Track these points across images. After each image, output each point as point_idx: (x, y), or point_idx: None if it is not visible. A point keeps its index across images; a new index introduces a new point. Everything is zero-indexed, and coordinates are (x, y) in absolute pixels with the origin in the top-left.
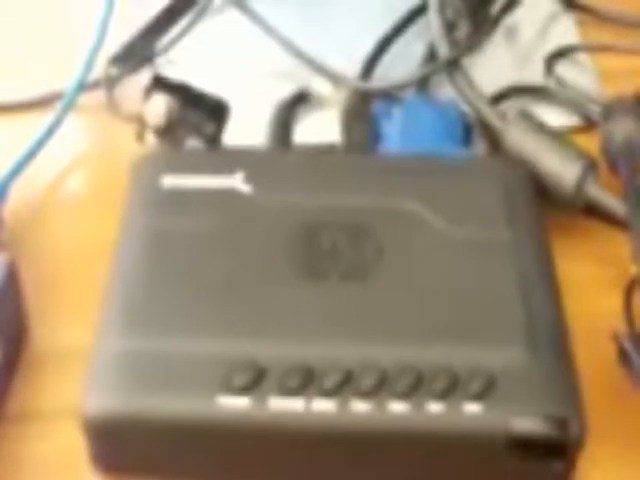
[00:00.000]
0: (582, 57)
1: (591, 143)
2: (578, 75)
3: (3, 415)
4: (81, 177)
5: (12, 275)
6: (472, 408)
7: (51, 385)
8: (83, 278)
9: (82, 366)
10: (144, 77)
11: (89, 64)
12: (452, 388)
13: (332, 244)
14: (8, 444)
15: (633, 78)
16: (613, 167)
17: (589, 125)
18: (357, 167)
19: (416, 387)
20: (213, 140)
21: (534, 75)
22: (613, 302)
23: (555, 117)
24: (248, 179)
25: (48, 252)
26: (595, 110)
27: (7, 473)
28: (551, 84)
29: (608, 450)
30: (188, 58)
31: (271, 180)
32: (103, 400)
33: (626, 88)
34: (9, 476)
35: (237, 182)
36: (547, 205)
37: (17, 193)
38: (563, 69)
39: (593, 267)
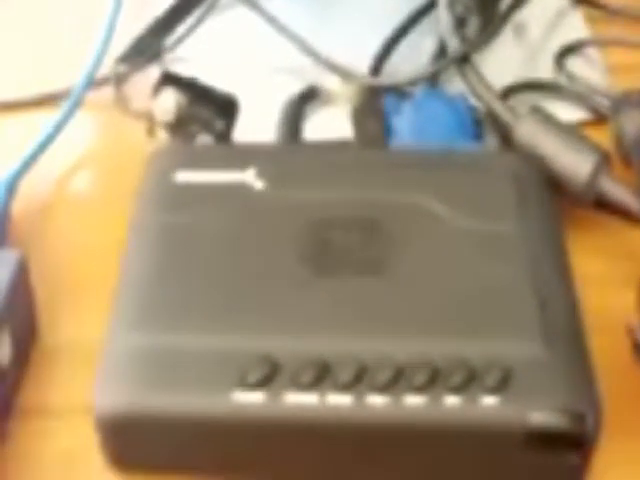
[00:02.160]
0: (591, 52)
1: (602, 137)
2: (587, 70)
3: (14, 411)
4: (90, 173)
5: (23, 271)
6: (489, 401)
7: (62, 381)
8: (93, 274)
9: (93, 362)
10: (153, 74)
11: (98, 61)
12: (469, 381)
13: (345, 239)
14: (19, 440)
15: None
16: (626, 160)
17: (599, 119)
18: (369, 162)
19: (432, 381)
20: (223, 136)
21: (543, 71)
22: (627, 296)
23: (565, 112)
24: (260, 174)
25: (58, 248)
26: (605, 104)
27: (18, 470)
28: (561, 79)
29: (624, 443)
30: (197, 55)
31: (283, 175)
32: (116, 396)
33: (636, 82)
34: (20, 473)
35: (250, 177)
36: (560, 199)
37: (26, 190)
38: (572, 64)
39: (606, 261)
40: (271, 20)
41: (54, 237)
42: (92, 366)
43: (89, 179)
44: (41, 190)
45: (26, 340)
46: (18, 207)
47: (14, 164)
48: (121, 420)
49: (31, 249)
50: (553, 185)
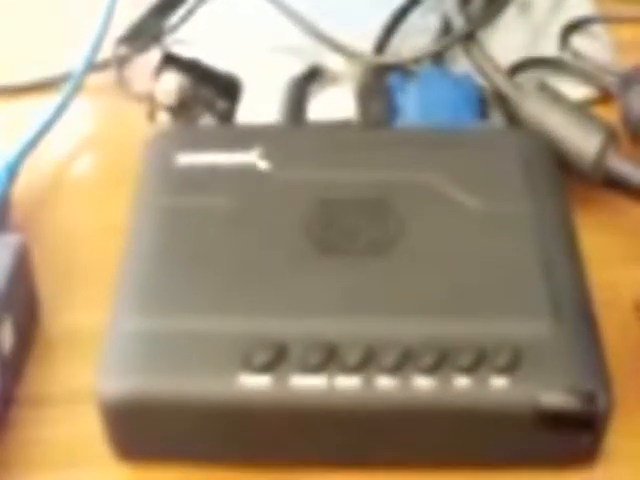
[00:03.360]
0: (597, 29)
1: (609, 114)
2: (593, 47)
3: (16, 399)
4: (91, 157)
5: (23, 257)
6: (499, 382)
7: (64, 368)
8: (95, 259)
9: (95, 349)
10: (153, 56)
11: (97, 44)
12: (478, 362)
13: (351, 219)
14: (21, 429)
15: None
16: (633, 137)
17: (606, 96)
18: (375, 141)
19: (441, 362)
20: (226, 117)
21: (549, 48)
22: (636, 272)
23: (571, 89)
24: (265, 155)
25: (58, 233)
26: (612, 81)
27: (20, 458)
28: (566, 56)
29: (636, 421)
30: (198, 36)
31: (289, 156)
32: (119, 381)
33: None
34: (22, 461)
35: (254, 158)
36: (567, 177)
37: (27, 174)
38: (578, 41)
39: (615, 238)
40: (273, 0)
41: (55, 221)
42: (94, 353)
43: (90, 163)
44: (42, 174)
45: (28, 326)
46: (19, 191)
47: (14, 149)
48: (124, 405)
49: (32, 234)
50: (560, 162)
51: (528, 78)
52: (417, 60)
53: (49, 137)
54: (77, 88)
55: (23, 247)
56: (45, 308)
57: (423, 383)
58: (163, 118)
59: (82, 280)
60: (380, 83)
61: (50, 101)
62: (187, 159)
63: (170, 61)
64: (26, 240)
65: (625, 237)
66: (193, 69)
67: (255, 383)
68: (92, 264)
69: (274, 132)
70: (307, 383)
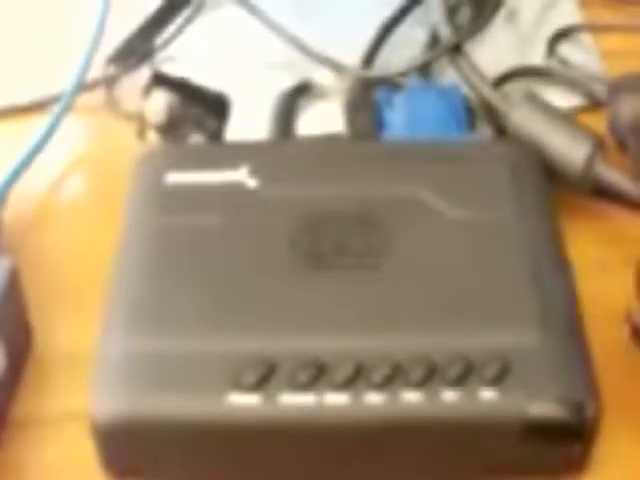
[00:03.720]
0: (584, 37)
1: (597, 123)
2: (581, 55)
3: (9, 421)
4: (82, 178)
5: (14, 279)
6: (487, 394)
7: (56, 389)
8: (85, 280)
9: (87, 370)
10: (143, 75)
11: (87, 64)
12: (467, 375)
13: (340, 234)
14: (14, 450)
15: (636, 57)
16: (621, 146)
17: (594, 105)
18: (362, 155)
19: (430, 376)
20: (216, 135)
21: (536, 57)
22: (625, 282)
23: (559, 98)
24: (253, 172)
25: (49, 255)
26: (599, 90)
27: None
28: (554, 65)
29: (625, 431)
30: (187, 54)
31: (276, 172)
32: (112, 402)
33: (629, 67)
34: None
35: (242, 176)
36: (555, 187)
37: (17, 196)
38: (565, 49)
39: (603, 248)
40: (260, 16)
41: (46, 243)
42: (86, 374)
43: (81, 183)
44: (32, 196)
45: (20, 349)
46: (9, 214)
47: (4, 172)
48: (117, 426)
49: (22, 256)
50: (548, 171)
51: (516, 88)
52: (404, 73)
53: (39, 157)
54: (67, 109)
55: (14, 270)
56: (37, 330)
57: (412, 397)
58: (153, 137)
59: (74, 301)
60: (368, 97)
61: (40, 122)
62: (176, 178)
63: (159, 80)
64: (17, 263)
65: (613, 246)
66: (182, 88)
67: (245, 402)
68: (83, 285)
69: (262, 149)
70: (296, 401)
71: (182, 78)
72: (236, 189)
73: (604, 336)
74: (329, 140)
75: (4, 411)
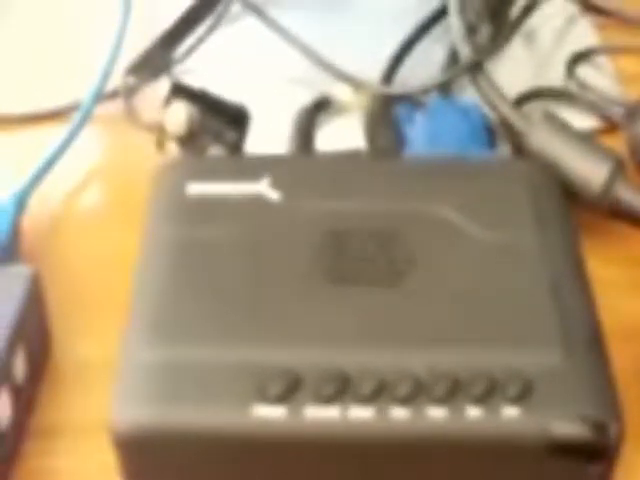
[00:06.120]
0: (602, 59)
1: (615, 145)
2: (598, 77)
3: (28, 430)
4: (100, 187)
5: (35, 287)
6: (510, 412)
7: (76, 399)
8: (106, 288)
9: (107, 379)
10: (162, 86)
11: (106, 74)
12: (490, 392)
13: (362, 250)
14: (33, 459)
15: None
16: None
17: (612, 127)
18: (384, 172)
19: (453, 392)
20: (235, 147)
21: (554, 78)
22: None
23: (577, 119)
24: (275, 185)
25: (70, 263)
26: (617, 112)
27: None
28: (572, 86)
29: None
30: (206, 66)
31: (298, 186)
32: (134, 413)
33: None
34: None
35: (264, 188)
36: (574, 206)
37: (37, 204)
38: (583, 71)
39: (622, 268)
40: (280, 30)
41: (66, 252)
42: (106, 384)
43: (99, 193)
44: (52, 205)
45: (40, 357)
46: (29, 222)
47: (24, 180)
48: (139, 436)
49: (43, 264)
50: (567, 191)
51: (534, 108)
52: (425, 90)
53: (58, 166)
54: (86, 118)
55: (35, 278)
56: (56, 338)
57: (436, 413)
58: (172, 148)
59: (93, 310)
60: (388, 113)
61: (59, 131)
62: (197, 189)
63: (179, 91)
64: (38, 271)
65: (632, 266)
66: (202, 99)
67: (269, 414)
68: (102, 294)
69: (283, 162)
70: (321, 414)
71: (201, 90)
72: (257, 201)
73: (624, 355)
74: (350, 155)
75: (23, 419)
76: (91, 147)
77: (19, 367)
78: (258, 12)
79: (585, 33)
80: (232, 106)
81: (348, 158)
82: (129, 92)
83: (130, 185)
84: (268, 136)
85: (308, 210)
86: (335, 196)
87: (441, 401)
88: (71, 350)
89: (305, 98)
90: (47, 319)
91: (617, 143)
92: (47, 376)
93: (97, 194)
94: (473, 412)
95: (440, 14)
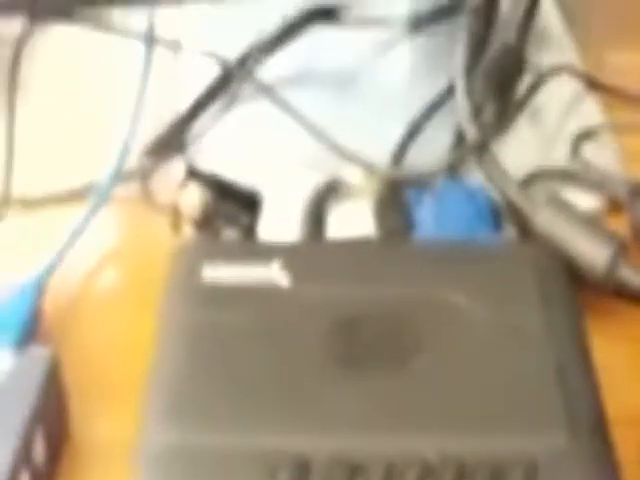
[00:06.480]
0: (607, 137)
1: (619, 224)
2: (603, 156)
3: None
4: (118, 268)
5: (54, 369)
6: None
7: None
8: (124, 370)
9: (124, 462)
10: (177, 167)
11: (123, 156)
12: (495, 478)
13: (371, 335)
14: None
15: None
16: None
17: (616, 206)
18: (393, 257)
19: (460, 478)
20: (248, 231)
21: (559, 156)
22: None
23: (582, 199)
24: (286, 272)
25: (86, 345)
26: (621, 191)
27: None
28: (576, 166)
29: None
30: (219, 147)
31: (309, 273)
32: None
33: None
34: None
35: (276, 274)
36: (579, 286)
37: (55, 286)
38: (589, 150)
39: (627, 348)
40: (292, 113)
41: (83, 333)
42: (123, 466)
43: (116, 274)
44: (70, 286)
45: (58, 438)
46: (47, 303)
47: (42, 263)
48: None
49: (61, 345)
50: (572, 272)
51: (539, 188)
52: (433, 175)
53: (74, 249)
54: (104, 200)
55: (54, 360)
56: (74, 420)
57: None
58: (187, 230)
59: (112, 391)
60: (397, 197)
61: (76, 213)
62: (212, 273)
63: (193, 175)
64: (57, 352)
65: (637, 346)
66: (215, 183)
67: None
68: (120, 375)
69: (295, 250)
70: None
71: (215, 175)
72: (270, 287)
73: (629, 439)
74: (361, 241)
75: None
76: (108, 228)
77: (38, 449)
78: (270, 94)
79: (590, 111)
80: (245, 191)
81: (358, 244)
82: (145, 174)
83: (147, 266)
84: (280, 218)
85: (318, 297)
86: (345, 282)
87: None
88: (89, 431)
89: (316, 180)
90: (65, 400)
91: (622, 222)
92: (66, 457)
93: (114, 275)
94: None
95: (447, 95)
